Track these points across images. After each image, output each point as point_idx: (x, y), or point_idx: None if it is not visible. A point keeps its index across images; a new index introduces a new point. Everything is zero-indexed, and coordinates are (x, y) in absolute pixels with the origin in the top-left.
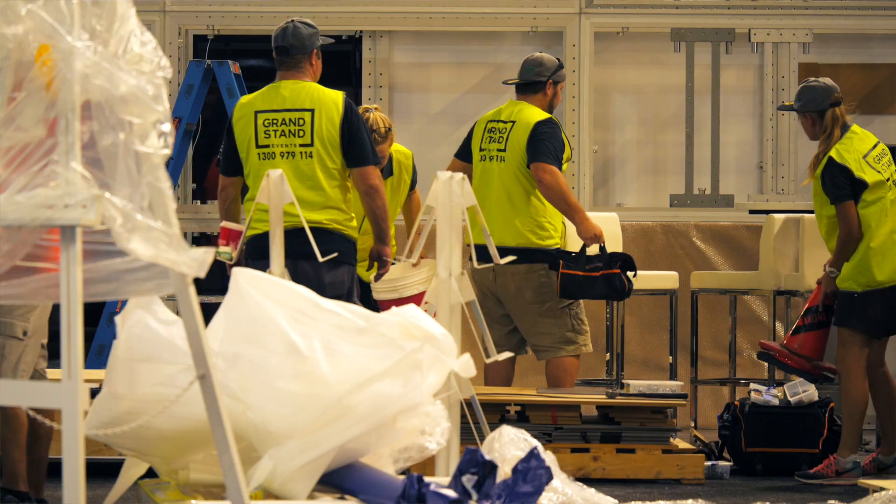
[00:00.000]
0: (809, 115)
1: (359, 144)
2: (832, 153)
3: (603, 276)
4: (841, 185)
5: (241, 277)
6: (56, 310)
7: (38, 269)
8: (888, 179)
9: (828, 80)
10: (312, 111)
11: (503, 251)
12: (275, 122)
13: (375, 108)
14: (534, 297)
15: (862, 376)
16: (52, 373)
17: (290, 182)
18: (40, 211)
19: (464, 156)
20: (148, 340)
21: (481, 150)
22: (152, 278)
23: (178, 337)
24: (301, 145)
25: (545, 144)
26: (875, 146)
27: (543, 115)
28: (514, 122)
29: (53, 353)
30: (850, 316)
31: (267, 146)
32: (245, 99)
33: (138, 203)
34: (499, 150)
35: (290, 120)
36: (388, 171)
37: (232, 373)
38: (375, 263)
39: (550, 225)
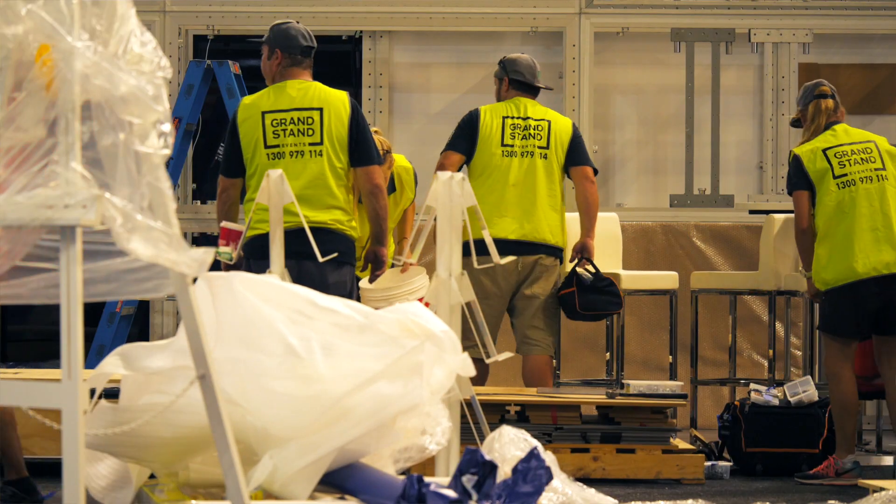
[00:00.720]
0: (802, 113)
1: (365, 143)
2: (797, 148)
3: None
4: (793, 176)
5: (238, 281)
6: (56, 310)
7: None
8: (843, 175)
9: (822, 80)
10: (321, 110)
11: (541, 247)
12: (283, 121)
13: (375, 131)
14: (544, 290)
15: (847, 378)
16: (52, 373)
17: (297, 181)
18: (40, 211)
19: (467, 150)
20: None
21: (505, 145)
22: (152, 278)
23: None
24: (310, 144)
25: (586, 150)
26: (852, 143)
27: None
28: (549, 121)
29: (53, 353)
30: (821, 318)
31: (276, 146)
32: (248, 100)
33: (138, 203)
34: (540, 148)
35: (298, 119)
36: (390, 188)
37: (229, 377)
38: (370, 265)
39: None
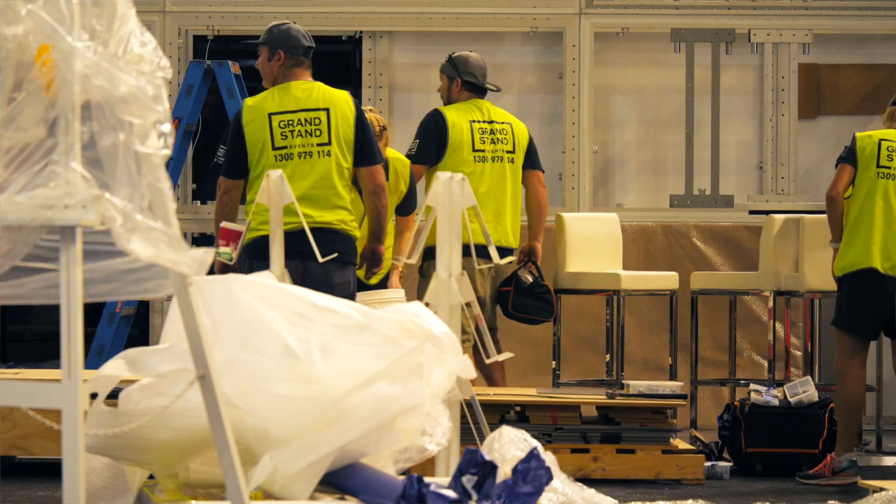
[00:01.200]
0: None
1: (370, 143)
2: (861, 132)
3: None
4: (845, 151)
5: (236, 283)
6: (56, 310)
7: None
8: (886, 167)
9: None
10: (327, 110)
11: (507, 252)
12: (291, 122)
13: (370, 110)
14: (496, 286)
15: (854, 377)
16: (52, 373)
17: (305, 181)
18: (40, 211)
19: (437, 158)
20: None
21: (476, 150)
22: (152, 278)
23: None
24: (318, 144)
25: (538, 153)
26: None
27: None
28: (510, 124)
29: (53, 353)
30: (837, 313)
31: (284, 147)
32: (252, 101)
33: (138, 203)
34: (507, 152)
35: (305, 120)
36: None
37: (228, 379)
38: (365, 263)
39: None
